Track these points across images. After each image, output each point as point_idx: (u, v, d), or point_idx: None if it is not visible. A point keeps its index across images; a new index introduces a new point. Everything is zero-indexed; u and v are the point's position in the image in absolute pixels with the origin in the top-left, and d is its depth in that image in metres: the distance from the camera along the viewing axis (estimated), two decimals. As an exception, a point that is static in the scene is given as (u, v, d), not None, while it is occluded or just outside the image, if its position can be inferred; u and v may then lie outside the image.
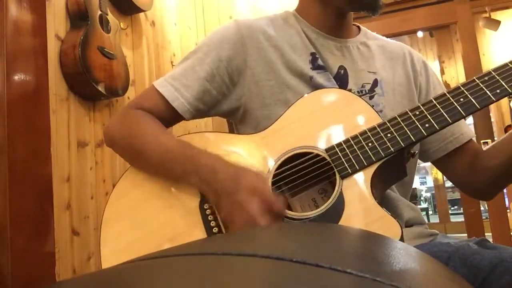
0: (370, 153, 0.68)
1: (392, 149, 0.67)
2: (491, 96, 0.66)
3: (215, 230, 0.69)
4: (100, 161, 1.75)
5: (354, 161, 0.68)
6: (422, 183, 8.06)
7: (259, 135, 0.77)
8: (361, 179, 0.67)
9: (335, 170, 0.68)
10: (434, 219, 6.58)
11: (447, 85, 4.13)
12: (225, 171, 0.67)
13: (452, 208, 6.70)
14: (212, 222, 0.70)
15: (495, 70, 0.68)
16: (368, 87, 0.86)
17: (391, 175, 0.74)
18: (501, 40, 4.09)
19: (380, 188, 0.72)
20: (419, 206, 5.50)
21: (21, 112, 1.35)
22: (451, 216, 5.90)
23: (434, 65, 4.66)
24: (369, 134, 0.69)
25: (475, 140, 0.91)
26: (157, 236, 0.72)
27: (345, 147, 0.69)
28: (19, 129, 1.34)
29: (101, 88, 1.64)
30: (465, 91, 0.68)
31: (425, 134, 0.67)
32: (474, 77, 0.69)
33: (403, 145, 0.68)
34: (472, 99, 0.67)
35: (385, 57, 0.92)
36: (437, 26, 3.42)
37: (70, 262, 1.50)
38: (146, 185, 0.77)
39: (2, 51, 1.31)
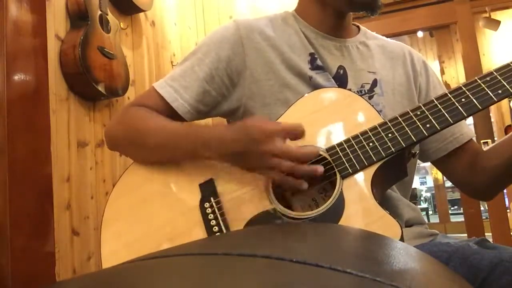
0: (371, 153, 0.68)
1: (393, 149, 0.67)
2: (493, 97, 0.66)
3: (215, 229, 0.69)
4: (100, 161, 1.75)
5: (354, 161, 0.68)
6: (422, 183, 8.06)
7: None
8: (362, 179, 0.67)
9: (336, 169, 0.68)
10: (434, 219, 6.58)
11: (447, 85, 4.13)
12: (232, 133, 0.69)
13: (452, 208, 6.70)
14: (212, 221, 0.70)
15: (496, 70, 0.68)
16: (367, 87, 0.86)
17: (391, 175, 0.74)
18: (501, 40, 4.09)
19: (380, 188, 0.72)
20: (419, 206, 5.50)
21: (21, 112, 1.35)
22: (451, 216, 5.90)
23: (434, 65, 4.66)
24: (370, 134, 0.69)
25: (475, 140, 0.91)
26: (157, 236, 0.72)
27: (345, 146, 0.69)
28: (19, 129, 1.34)
29: (101, 88, 1.64)
30: (466, 91, 0.68)
31: (426, 134, 0.67)
32: (476, 77, 0.68)
33: (404, 145, 0.67)
34: (473, 100, 0.67)
35: (385, 57, 0.92)
36: (437, 26, 3.42)
37: (70, 262, 1.50)
38: (146, 184, 0.77)
39: (2, 51, 1.31)
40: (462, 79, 4.18)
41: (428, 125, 0.68)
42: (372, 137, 0.69)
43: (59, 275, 1.41)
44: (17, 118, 1.33)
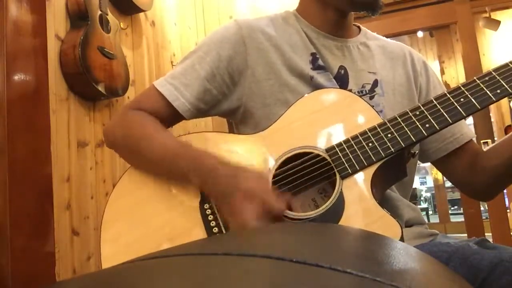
0: (370, 153, 0.68)
1: (392, 149, 0.67)
2: (492, 96, 0.66)
3: (215, 230, 0.69)
4: (100, 161, 1.75)
5: (354, 161, 0.68)
6: (422, 183, 8.06)
7: (259, 135, 0.77)
8: (361, 179, 0.67)
9: (335, 170, 0.68)
10: (434, 219, 6.58)
11: (447, 85, 4.13)
12: (225, 172, 0.67)
13: (452, 208, 6.70)
14: (212, 222, 0.70)
15: (495, 70, 0.68)
16: (368, 87, 0.86)
17: (391, 175, 0.74)
18: (501, 40, 4.09)
19: (380, 188, 0.72)
20: (419, 206, 5.50)
21: (21, 112, 1.35)
22: (451, 216, 5.90)
23: (434, 65, 4.66)
24: (369, 134, 0.69)
25: (475, 141, 0.91)
26: (157, 236, 0.72)
27: (345, 147, 0.69)
28: (19, 129, 1.34)
29: (101, 88, 1.64)
30: (465, 91, 0.68)
31: (426, 134, 0.67)
32: (475, 77, 0.69)
33: (403, 145, 0.68)
34: (472, 99, 0.67)
35: (385, 57, 0.92)
36: (437, 26, 3.42)
37: (70, 262, 1.50)
38: (146, 185, 0.77)
39: (2, 51, 1.31)
40: (462, 79, 4.18)
41: (427, 125, 0.68)
42: (372, 137, 0.69)
43: (59, 275, 1.41)
44: (17, 118, 1.33)
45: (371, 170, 0.67)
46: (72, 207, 1.55)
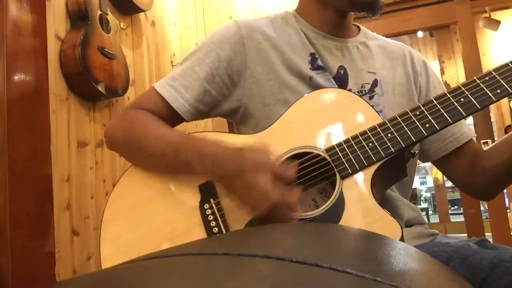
0: (370, 153, 0.68)
1: (392, 149, 0.67)
2: (492, 96, 0.66)
3: (215, 230, 0.69)
4: (100, 161, 1.75)
5: (354, 161, 0.68)
6: (422, 183, 8.06)
7: (259, 135, 0.77)
8: (361, 179, 0.67)
9: (335, 170, 0.68)
10: (434, 219, 6.58)
11: (447, 85, 4.13)
12: (229, 154, 0.68)
13: (452, 208, 6.70)
14: (212, 222, 0.70)
15: (495, 70, 0.68)
16: (367, 87, 0.86)
17: (391, 175, 0.74)
18: (501, 40, 4.09)
19: (380, 188, 0.72)
20: (419, 206, 5.50)
21: (21, 112, 1.35)
22: (451, 216, 5.90)
23: (434, 65, 4.66)
24: (370, 134, 0.69)
25: (475, 140, 0.91)
26: (157, 236, 0.72)
27: (345, 147, 0.69)
28: (19, 129, 1.34)
29: (101, 88, 1.64)
30: (465, 91, 0.68)
31: (426, 134, 0.67)
32: (475, 77, 0.69)
33: (403, 145, 0.68)
34: (472, 99, 0.67)
35: (385, 57, 0.92)
36: (437, 26, 3.42)
37: (70, 262, 1.50)
38: (146, 185, 0.77)
39: (2, 51, 1.31)
40: (462, 79, 4.18)
41: (427, 125, 0.68)
42: (372, 137, 0.69)
43: (59, 275, 1.41)
44: (17, 118, 1.33)
45: (371, 170, 0.67)
46: (72, 207, 1.55)
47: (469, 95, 0.67)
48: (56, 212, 1.43)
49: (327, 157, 0.69)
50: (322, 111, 0.75)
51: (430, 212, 7.33)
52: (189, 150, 0.72)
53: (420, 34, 4.80)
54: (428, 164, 1.06)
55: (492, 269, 0.61)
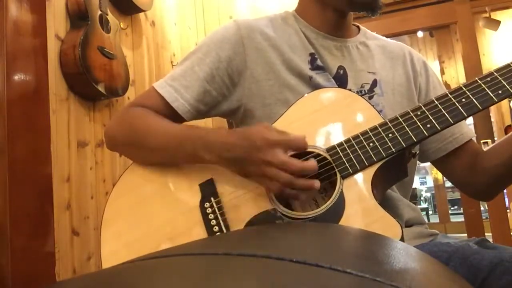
0: (371, 153, 0.68)
1: (393, 149, 0.67)
2: (493, 97, 0.66)
3: (215, 229, 0.69)
4: (100, 161, 1.75)
5: (355, 161, 0.68)
6: (422, 183, 8.05)
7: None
8: (362, 179, 0.67)
9: (336, 170, 0.68)
10: (434, 219, 6.57)
11: (447, 85, 4.13)
12: (236, 138, 0.68)
13: (452, 208, 6.69)
14: (212, 221, 0.70)
15: (497, 71, 0.68)
16: (367, 87, 0.86)
17: (391, 175, 0.74)
18: (501, 40, 4.09)
19: (380, 188, 0.72)
20: (419, 206, 5.49)
21: (21, 112, 1.35)
22: (451, 216, 5.90)
23: (434, 65, 4.66)
24: (370, 134, 0.69)
25: (475, 141, 0.91)
26: (157, 236, 0.72)
27: (346, 146, 0.69)
28: (19, 129, 1.34)
29: (101, 88, 1.64)
30: (467, 91, 0.68)
31: (427, 134, 0.67)
32: (476, 78, 0.69)
33: (404, 145, 0.67)
34: (473, 100, 0.67)
35: (385, 57, 0.92)
36: (437, 26, 3.42)
37: (70, 262, 1.50)
38: (146, 184, 0.77)
39: (2, 51, 1.31)
40: (462, 79, 4.18)
41: (428, 125, 0.68)
42: (373, 137, 0.69)
43: (59, 275, 1.41)
44: (17, 118, 1.33)
45: (372, 170, 0.67)
46: (72, 207, 1.55)
47: (470, 96, 0.67)
48: (56, 212, 1.43)
49: (328, 157, 0.69)
50: (323, 111, 0.75)
51: (430, 212, 7.32)
52: (194, 139, 0.72)
53: (420, 34, 4.80)
54: (428, 164, 1.06)
55: (492, 269, 0.61)
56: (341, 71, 0.86)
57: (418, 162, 0.94)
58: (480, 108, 0.67)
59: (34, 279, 1.29)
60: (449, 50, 4.57)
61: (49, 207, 1.40)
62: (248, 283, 0.22)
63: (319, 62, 0.85)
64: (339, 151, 0.69)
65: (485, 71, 0.69)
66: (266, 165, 0.64)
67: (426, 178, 8.05)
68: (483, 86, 0.67)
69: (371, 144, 0.68)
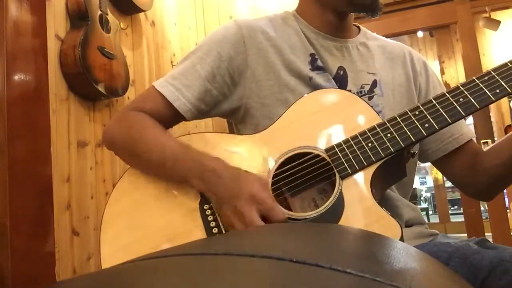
0: (370, 153, 0.68)
1: (392, 149, 0.67)
2: (491, 96, 0.66)
3: (215, 230, 0.69)
4: (100, 161, 1.75)
5: (354, 161, 0.68)
6: (422, 183, 8.05)
7: (259, 135, 0.77)
8: (361, 179, 0.67)
9: (335, 170, 0.68)
10: (434, 219, 6.57)
11: (447, 85, 4.13)
12: (227, 175, 0.68)
13: (452, 208, 6.69)
14: (212, 222, 0.70)
15: (494, 70, 0.68)
16: (367, 88, 0.86)
17: (391, 175, 0.74)
18: (501, 40, 4.09)
19: (380, 188, 0.72)
20: (419, 206, 5.47)
21: (21, 112, 1.35)
22: (451, 216, 5.90)
23: (434, 65, 4.66)
24: (369, 134, 0.69)
25: (475, 141, 0.91)
26: (157, 237, 0.72)
27: (345, 147, 0.69)
28: (19, 129, 1.34)
29: (101, 88, 1.64)
30: (464, 91, 0.68)
31: (425, 134, 0.67)
32: (474, 77, 0.69)
33: (403, 145, 0.68)
34: (471, 99, 0.67)
35: (385, 57, 0.92)
36: (437, 26, 3.42)
37: (70, 262, 1.50)
38: (146, 185, 0.77)
39: (2, 51, 1.31)
40: (462, 79, 4.17)
41: (426, 125, 0.68)
42: (371, 137, 0.69)
43: (59, 275, 1.41)
44: (17, 118, 1.33)
45: (371, 170, 0.67)
46: (72, 207, 1.55)
47: (468, 95, 0.67)
48: (56, 212, 1.43)
49: (327, 157, 0.69)
50: (322, 112, 0.75)
51: (430, 212, 7.32)
52: (187, 164, 0.72)
53: (420, 34, 4.79)
54: (428, 164, 1.06)
55: (492, 269, 0.61)
56: (341, 72, 0.86)
57: (418, 162, 0.94)
58: (478, 107, 0.67)
59: (34, 279, 1.29)
60: (449, 50, 4.57)
61: (49, 207, 1.40)
62: (248, 283, 0.22)
63: (319, 63, 0.85)
64: (338, 152, 0.69)
65: (485, 71, 0.69)
66: (237, 215, 0.65)
67: (426, 178, 8.05)
68: (481, 85, 0.67)
69: (369, 145, 0.68)
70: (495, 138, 3.18)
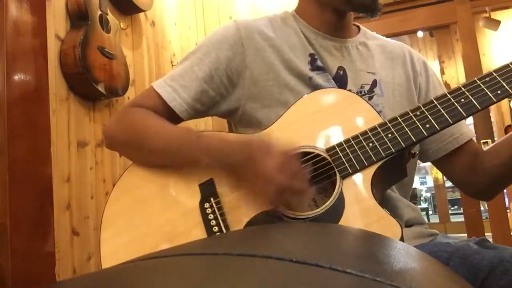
0: (370, 153, 0.68)
1: (392, 149, 0.67)
2: (492, 97, 0.66)
3: (215, 229, 0.69)
4: (100, 161, 1.75)
5: (354, 161, 0.68)
6: (422, 183, 8.05)
7: (259, 135, 0.77)
8: (362, 179, 0.67)
9: (336, 170, 0.68)
10: (434, 219, 6.57)
11: (447, 85, 4.13)
12: (235, 144, 0.70)
13: (452, 208, 6.69)
14: (212, 221, 0.70)
15: (496, 71, 0.68)
16: (367, 87, 0.86)
17: (391, 175, 0.74)
18: (501, 40, 4.09)
19: (380, 188, 0.72)
20: (419, 206, 5.46)
21: (21, 112, 1.35)
22: (451, 216, 5.90)
23: (434, 65, 4.66)
24: (370, 134, 0.69)
25: (475, 141, 0.91)
26: (157, 236, 0.72)
27: (345, 147, 0.69)
28: (19, 129, 1.34)
29: (101, 88, 1.64)
30: (466, 91, 0.68)
31: (426, 134, 0.67)
32: (475, 78, 0.69)
33: (403, 145, 0.68)
34: (473, 100, 0.67)
35: (385, 57, 0.92)
36: (437, 26, 3.42)
37: (70, 262, 1.50)
38: (146, 184, 0.77)
39: (2, 51, 1.31)
40: (462, 79, 4.17)
41: (427, 125, 0.68)
42: (372, 137, 0.69)
43: (59, 275, 1.41)
44: (17, 118, 1.33)
45: (372, 170, 0.67)
46: (72, 207, 1.55)
47: (469, 96, 0.67)
48: (56, 212, 1.43)
49: (328, 157, 0.69)
50: (323, 112, 0.75)
51: (430, 212, 7.32)
52: (194, 142, 0.73)
53: (420, 34, 4.79)
54: (428, 164, 1.06)
55: (492, 269, 0.61)
56: (341, 72, 0.86)
57: (418, 162, 0.94)
58: (479, 108, 0.67)
59: (34, 279, 1.29)
60: (449, 50, 4.57)
61: (49, 207, 1.40)
62: (248, 283, 0.22)
63: (319, 63, 0.85)
64: (339, 151, 0.69)
65: (485, 71, 0.69)
66: (260, 178, 0.65)
67: (426, 178, 8.05)
68: (482, 86, 0.67)
69: (370, 144, 0.68)
70: (495, 138, 3.18)
